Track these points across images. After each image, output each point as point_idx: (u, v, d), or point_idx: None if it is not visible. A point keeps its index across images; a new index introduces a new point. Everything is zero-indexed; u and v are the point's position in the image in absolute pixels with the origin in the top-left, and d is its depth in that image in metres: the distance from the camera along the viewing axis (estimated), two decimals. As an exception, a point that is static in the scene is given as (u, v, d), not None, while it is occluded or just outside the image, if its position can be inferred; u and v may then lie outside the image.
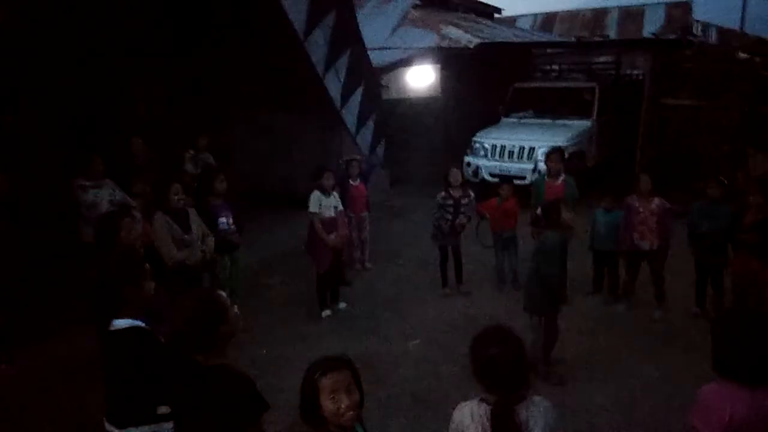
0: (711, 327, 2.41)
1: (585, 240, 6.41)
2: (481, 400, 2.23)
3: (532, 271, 4.69)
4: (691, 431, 2.38)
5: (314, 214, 6.07)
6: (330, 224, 6.13)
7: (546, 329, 4.68)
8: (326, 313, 6.28)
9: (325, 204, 6.11)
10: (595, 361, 5.10)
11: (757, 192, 5.07)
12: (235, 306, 2.59)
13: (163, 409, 2.88)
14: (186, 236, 5.15)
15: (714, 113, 9.79)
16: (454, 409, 2.32)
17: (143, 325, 3.01)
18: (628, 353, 5.23)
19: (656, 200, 5.67)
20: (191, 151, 7.89)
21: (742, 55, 9.92)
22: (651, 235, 5.66)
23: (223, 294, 2.58)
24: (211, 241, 5.30)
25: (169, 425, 2.84)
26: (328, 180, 6.13)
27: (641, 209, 5.68)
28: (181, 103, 9.27)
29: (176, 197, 5.20)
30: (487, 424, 2.15)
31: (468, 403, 2.27)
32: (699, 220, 5.52)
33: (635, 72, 13.04)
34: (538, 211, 4.73)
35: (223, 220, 5.59)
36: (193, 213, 5.28)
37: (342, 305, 6.44)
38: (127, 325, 2.95)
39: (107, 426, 3.02)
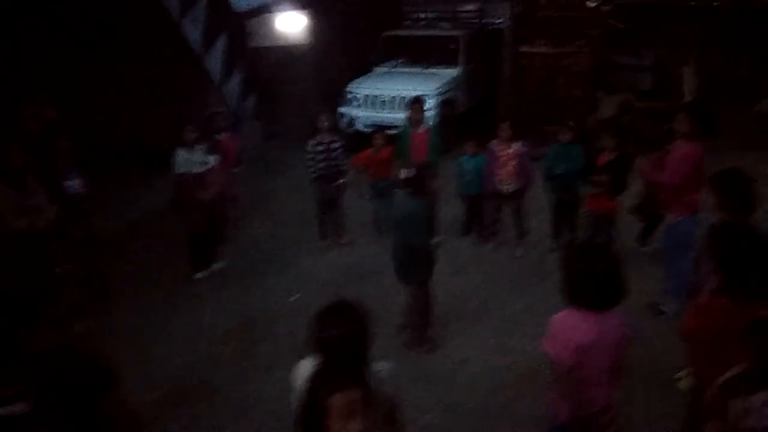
0: (560, 260, 2.60)
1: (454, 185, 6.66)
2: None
3: (398, 240, 4.52)
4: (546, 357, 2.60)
5: (179, 174, 5.70)
6: (198, 180, 5.79)
7: (418, 297, 4.57)
8: (201, 275, 6.02)
9: (192, 160, 5.75)
10: (468, 301, 5.39)
11: (609, 134, 5.48)
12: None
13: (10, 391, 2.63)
14: (27, 201, 4.62)
15: (567, 59, 10.44)
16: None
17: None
18: (497, 290, 5.60)
19: (514, 145, 5.99)
20: (31, 108, 7.01)
21: (591, 3, 10.58)
22: (511, 177, 6.00)
23: (63, 269, 2.29)
24: (53, 207, 4.79)
25: (21, 405, 2.61)
26: (190, 133, 5.74)
27: (501, 154, 5.98)
28: (20, 55, 8.14)
29: (16, 159, 4.63)
30: None
31: (309, 361, 2.20)
32: (553, 162, 5.93)
33: (498, 21, 13.50)
34: (403, 174, 4.65)
35: (70, 183, 5.08)
36: (32, 178, 4.73)
37: (218, 264, 6.20)
38: None
39: None
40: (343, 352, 2.08)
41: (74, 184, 5.13)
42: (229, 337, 4.99)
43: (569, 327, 2.52)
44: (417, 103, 6.48)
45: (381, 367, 2.20)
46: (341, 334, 2.09)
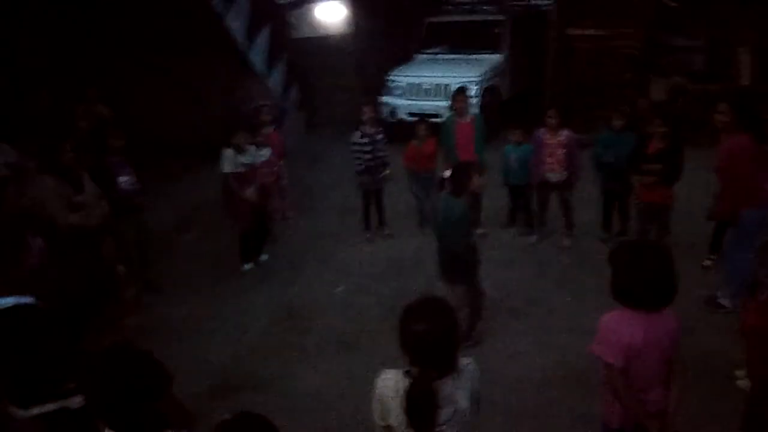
0: (608, 258, 2.50)
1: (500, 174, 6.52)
2: (407, 372, 2.07)
3: (440, 241, 4.36)
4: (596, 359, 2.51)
5: (226, 174, 5.80)
6: (246, 177, 5.88)
7: (468, 299, 4.36)
8: (247, 266, 6.12)
9: (238, 161, 5.84)
10: (514, 295, 5.28)
11: (659, 121, 5.23)
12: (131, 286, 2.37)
13: (70, 384, 2.73)
14: (80, 198, 4.77)
15: (616, 41, 10.06)
16: (378, 373, 2.17)
17: (30, 301, 2.80)
18: (544, 283, 5.47)
19: (564, 132, 5.81)
20: (83, 105, 7.24)
21: (641, -18, 10.14)
22: (560, 166, 5.83)
23: (119, 268, 2.34)
24: (106, 203, 4.94)
25: (77, 399, 2.70)
26: (241, 140, 5.83)
27: (549, 142, 5.81)
28: (70, 51, 8.41)
29: (68, 156, 4.79)
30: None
31: (392, 373, 2.11)
32: (604, 150, 5.72)
33: (543, 2, 13.11)
34: (446, 174, 4.44)
35: (124, 179, 5.21)
36: (85, 174, 4.88)
37: (264, 257, 6.29)
38: (10, 304, 2.74)
39: (9, 408, 2.85)
40: (431, 347, 2.03)
41: (126, 180, 5.25)
42: (276, 329, 5.05)
43: (619, 328, 2.43)
44: (461, 92, 6.36)
45: (467, 361, 2.17)
46: (430, 328, 2.02)
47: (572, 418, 3.73)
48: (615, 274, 2.45)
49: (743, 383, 3.71)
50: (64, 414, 2.85)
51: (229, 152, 5.78)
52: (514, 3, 12.80)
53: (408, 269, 5.88)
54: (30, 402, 2.84)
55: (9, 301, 2.74)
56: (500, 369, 4.26)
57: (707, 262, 5.38)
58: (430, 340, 2.01)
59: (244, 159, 5.86)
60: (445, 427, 2.04)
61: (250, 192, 5.86)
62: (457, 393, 2.06)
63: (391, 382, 2.09)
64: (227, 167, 5.78)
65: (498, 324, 4.82)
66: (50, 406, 2.85)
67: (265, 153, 6.44)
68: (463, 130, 6.18)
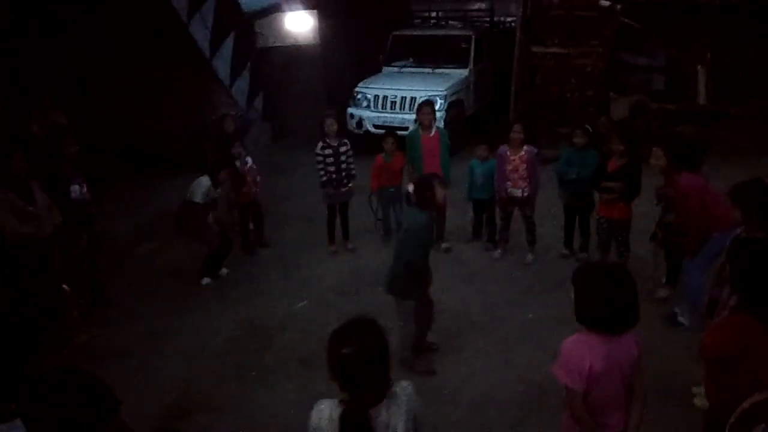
0: (572, 280, 2.48)
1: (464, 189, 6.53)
2: (341, 401, 2.01)
3: (397, 254, 4.25)
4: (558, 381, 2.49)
5: (197, 203, 5.67)
6: (211, 206, 5.82)
7: (417, 315, 4.29)
8: (206, 281, 5.95)
9: (213, 195, 5.77)
10: (476, 310, 5.26)
11: (618, 139, 5.32)
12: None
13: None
14: (31, 208, 4.56)
15: (579, 60, 10.27)
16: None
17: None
18: (506, 299, 5.47)
19: (525, 148, 5.86)
20: (36, 111, 6.97)
21: (604, 2, 10.40)
22: (522, 182, 5.87)
23: (64, 288, 2.20)
24: (57, 213, 4.74)
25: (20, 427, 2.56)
26: (224, 176, 5.79)
27: (513, 158, 5.85)
28: (27, 56, 8.10)
29: (18, 165, 4.58)
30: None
31: (326, 403, 2.05)
32: (566, 166, 5.78)
33: (509, 19, 13.33)
34: (410, 188, 4.29)
35: (75, 188, 5.01)
36: (35, 184, 4.68)
37: (224, 271, 6.13)
38: None
39: None
40: (359, 371, 1.96)
41: (79, 189, 5.05)
42: (234, 347, 4.90)
43: (581, 352, 2.41)
44: (427, 105, 6.36)
45: (405, 384, 2.10)
46: (356, 351, 1.95)
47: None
48: (578, 296, 2.42)
49: (700, 401, 3.76)
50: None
51: (205, 181, 5.67)
52: (481, 19, 13.01)
53: (371, 284, 5.79)
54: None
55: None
56: (460, 387, 4.23)
57: (662, 293, 5.24)
58: (358, 364, 1.94)
59: (217, 193, 5.80)
60: None
61: (218, 213, 5.79)
62: (393, 418, 1.99)
63: (325, 412, 2.01)
64: (199, 197, 5.64)
65: (456, 341, 4.78)
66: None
67: (247, 161, 6.39)
68: (428, 144, 6.18)
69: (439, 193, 4.13)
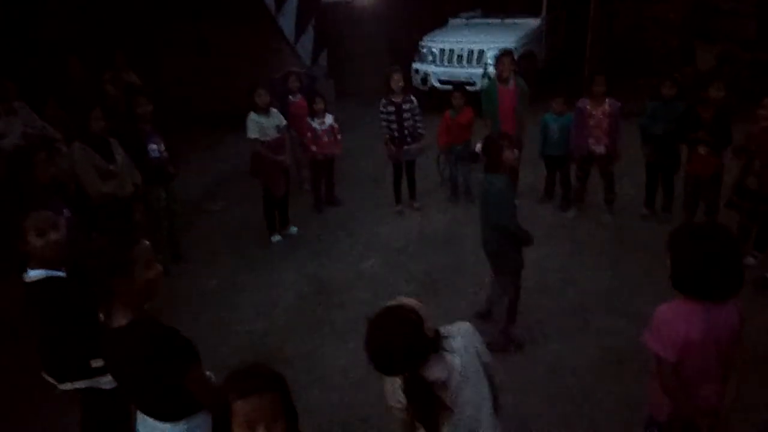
0: (667, 243, 2.29)
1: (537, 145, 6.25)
2: None
3: (484, 224, 3.97)
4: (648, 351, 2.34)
5: (254, 139, 5.66)
6: (276, 146, 5.75)
7: (509, 288, 4.07)
8: (276, 238, 6.04)
9: (265, 125, 5.68)
10: (551, 274, 5.07)
11: (720, 84, 4.83)
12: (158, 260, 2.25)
13: (99, 363, 2.70)
14: (111, 167, 4.72)
15: (661, 5, 9.53)
16: None
17: (61, 274, 2.76)
18: (582, 262, 5.24)
19: (608, 101, 5.50)
20: (110, 71, 7.16)
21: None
22: (605, 137, 5.54)
23: (143, 243, 2.20)
24: (137, 171, 4.88)
25: (107, 378, 2.67)
26: (261, 98, 5.62)
27: (594, 112, 5.51)
28: (99, 17, 8.30)
29: (98, 124, 4.72)
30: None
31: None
32: (651, 120, 5.39)
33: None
34: (478, 147, 4.01)
35: (153, 147, 5.13)
36: (115, 142, 4.81)
37: (293, 229, 6.20)
38: (41, 276, 2.74)
39: (47, 377, 2.87)
40: (399, 358, 1.98)
41: (156, 147, 5.17)
42: (305, 303, 4.98)
43: (676, 321, 2.23)
44: (507, 56, 6.02)
45: (459, 325, 2.17)
46: (391, 339, 1.97)
47: (609, 404, 3.58)
48: (676, 261, 2.22)
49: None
50: (95, 393, 2.82)
51: (252, 117, 5.64)
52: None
53: (438, 245, 5.73)
54: (63, 377, 2.85)
55: (40, 273, 2.72)
56: (532, 349, 4.13)
57: (750, 260, 4.82)
58: (395, 351, 1.95)
59: (270, 122, 5.70)
60: (452, 399, 2.01)
61: (282, 157, 5.76)
62: (449, 361, 2.03)
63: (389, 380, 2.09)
64: (252, 132, 5.64)
65: (530, 306, 4.57)
66: (81, 384, 2.84)
67: (327, 119, 6.31)
68: (506, 97, 5.90)
69: (508, 154, 3.78)
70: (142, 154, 5.02)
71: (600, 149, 5.58)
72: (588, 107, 5.52)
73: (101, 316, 2.17)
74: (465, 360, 2.06)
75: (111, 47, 7.44)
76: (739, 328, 2.30)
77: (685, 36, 9.55)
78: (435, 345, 2.03)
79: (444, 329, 2.11)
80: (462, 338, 2.11)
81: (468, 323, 2.20)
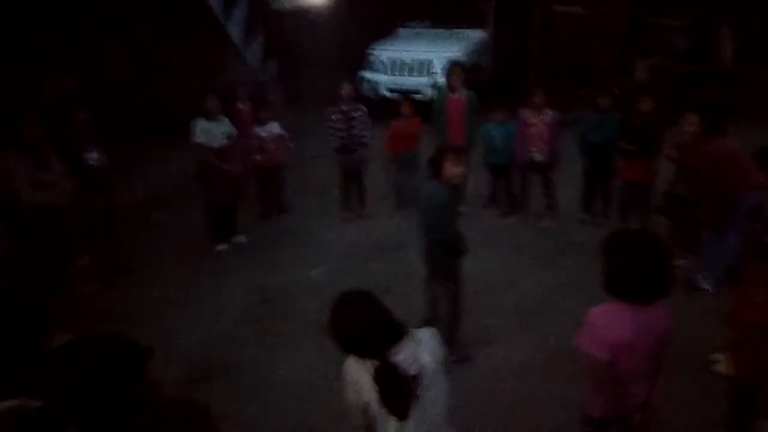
0: (601, 248, 2.40)
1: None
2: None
3: (426, 235, 3.96)
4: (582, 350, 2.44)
5: (200, 144, 5.57)
6: (223, 154, 5.67)
7: (451, 296, 4.06)
8: (222, 246, 5.95)
9: (213, 131, 5.60)
10: (494, 277, 5.20)
11: (648, 98, 5.12)
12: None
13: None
14: (47, 175, 4.55)
15: (601, 20, 9.95)
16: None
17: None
18: (525, 265, 5.41)
19: (549, 112, 5.71)
20: (50, 78, 6.91)
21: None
22: (544, 147, 5.74)
23: (82, 258, 2.14)
24: (74, 179, 4.73)
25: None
26: (210, 103, 5.56)
27: (534, 122, 5.70)
28: (39, 21, 7.99)
29: (33, 131, 4.55)
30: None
31: (353, 360, 2.11)
32: (589, 130, 5.63)
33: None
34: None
35: (89, 155, 4.98)
36: (51, 150, 4.65)
37: (240, 238, 6.12)
38: None
39: None
40: (367, 340, 2.03)
41: (93, 156, 5.03)
42: (250, 314, 4.92)
43: (609, 323, 2.33)
44: (456, 66, 6.18)
45: (424, 331, 2.19)
46: (355, 322, 2.02)
47: (552, 402, 3.68)
48: (608, 265, 2.33)
49: (721, 367, 3.71)
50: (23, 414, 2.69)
51: (200, 122, 5.56)
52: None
53: (387, 251, 5.78)
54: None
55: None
56: (477, 353, 4.21)
57: (681, 262, 4.97)
58: (361, 334, 2.01)
59: (218, 129, 5.62)
60: (420, 391, 2.04)
61: (225, 165, 5.67)
62: (418, 352, 2.06)
63: (355, 367, 2.09)
64: (198, 137, 5.56)
65: (475, 308, 4.66)
66: (11, 403, 2.69)
67: (273, 127, 6.29)
68: (455, 107, 6.03)
69: (453, 169, 3.79)
70: (79, 163, 4.87)
71: (540, 158, 5.78)
72: (530, 117, 5.72)
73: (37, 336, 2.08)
74: (432, 360, 2.10)
75: (52, 52, 7.18)
76: (669, 329, 2.43)
77: (623, 49, 9.99)
78: (404, 329, 2.07)
79: (412, 330, 2.15)
80: (430, 339, 2.16)
81: (431, 329, 2.24)
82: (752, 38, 10.15)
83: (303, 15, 11.25)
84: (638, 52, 10.24)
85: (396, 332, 2.06)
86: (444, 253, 3.92)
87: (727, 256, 4.23)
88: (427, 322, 4.34)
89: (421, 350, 2.08)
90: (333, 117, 6.15)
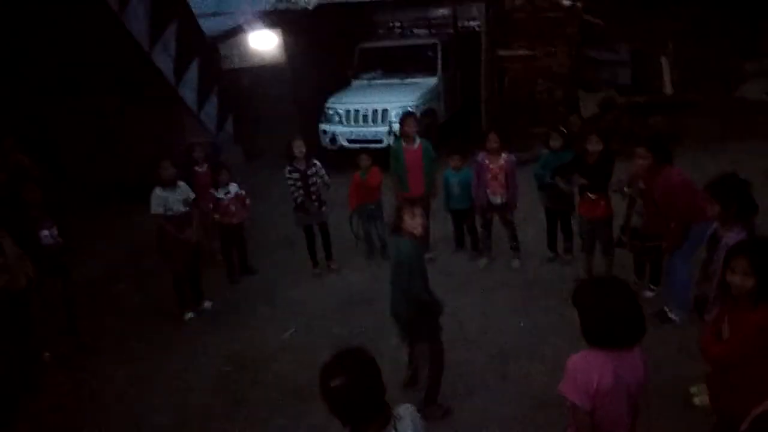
0: (572, 300, 2.43)
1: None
2: None
3: (395, 291, 3.89)
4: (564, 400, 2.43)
5: (158, 215, 5.48)
6: (181, 221, 5.57)
7: (431, 356, 3.93)
8: (189, 315, 5.79)
9: (170, 199, 5.51)
10: (467, 322, 5.17)
11: (597, 138, 5.25)
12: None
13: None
14: (0, 260, 4.38)
15: (546, 60, 10.34)
16: None
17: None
18: (497, 308, 5.41)
19: (504, 155, 5.83)
20: (-2, 155, 6.73)
21: (566, 2, 10.48)
22: (502, 189, 5.85)
23: (45, 356, 2.04)
24: (29, 262, 4.56)
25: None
26: (165, 171, 5.47)
27: (491, 166, 5.82)
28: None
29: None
30: None
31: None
32: (544, 170, 5.76)
33: (472, 23, 13.37)
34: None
35: (45, 233, 4.84)
36: (2, 232, 4.49)
37: (207, 304, 5.98)
38: None
39: None
40: (355, 404, 1.95)
41: (48, 233, 4.88)
42: (224, 383, 4.75)
43: (588, 369, 2.35)
44: (410, 116, 6.29)
45: (406, 406, 2.14)
46: (348, 383, 1.94)
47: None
48: (582, 316, 2.37)
49: (699, 400, 3.74)
50: None
51: (156, 192, 5.48)
52: (444, 25, 13.01)
53: (359, 305, 5.71)
54: None
55: None
56: (458, 406, 4.15)
57: (648, 294, 5.17)
58: (351, 395, 1.94)
59: (175, 196, 5.54)
60: None
61: (188, 233, 5.57)
62: None
63: None
64: (155, 208, 5.46)
65: (453, 356, 4.58)
66: None
67: (232, 188, 6.25)
68: (412, 156, 6.11)
69: (408, 221, 3.76)
70: (33, 243, 4.70)
71: (497, 200, 5.88)
72: (485, 161, 5.83)
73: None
74: None
75: (2, 127, 7.03)
76: (646, 374, 2.45)
77: (569, 87, 10.38)
78: (389, 410, 2.01)
79: (393, 410, 2.08)
80: (410, 416, 2.10)
81: (411, 406, 2.18)
82: (688, 67, 10.74)
83: (256, 72, 11.37)
84: (584, 87, 10.65)
85: (383, 406, 2.00)
86: (419, 311, 3.84)
87: (688, 287, 4.33)
88: (406, 384, 4.27)
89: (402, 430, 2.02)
90: (290, 175, 6.13)
